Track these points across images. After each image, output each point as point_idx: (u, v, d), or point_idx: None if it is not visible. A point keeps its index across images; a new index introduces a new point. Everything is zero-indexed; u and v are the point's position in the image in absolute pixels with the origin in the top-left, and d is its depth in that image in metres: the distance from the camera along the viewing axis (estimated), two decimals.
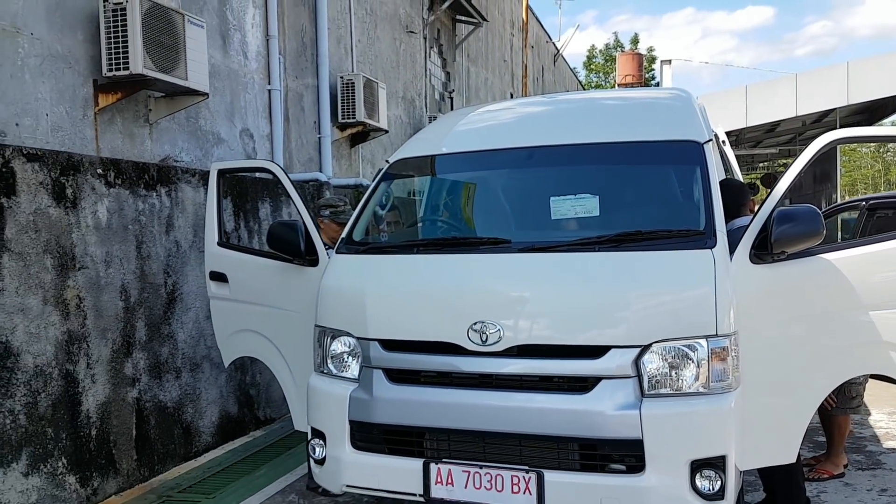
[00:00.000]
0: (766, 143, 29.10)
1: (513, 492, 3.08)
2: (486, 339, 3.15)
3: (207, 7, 5.92)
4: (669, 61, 23.88)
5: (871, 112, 24.54)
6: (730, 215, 3.58)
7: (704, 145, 3.68)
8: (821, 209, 3.70)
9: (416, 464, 3.23)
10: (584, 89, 35.98)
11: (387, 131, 8.96)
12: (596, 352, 3.08)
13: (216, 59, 6.03)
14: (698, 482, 2.99)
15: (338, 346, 3.53)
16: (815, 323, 3.33)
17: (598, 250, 3.29)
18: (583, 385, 3.09)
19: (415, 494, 3.25)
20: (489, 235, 3.65)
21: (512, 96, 16.94)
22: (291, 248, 3.89)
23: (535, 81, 19.77)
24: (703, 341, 3.05)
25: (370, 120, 8.30)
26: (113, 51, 4.69)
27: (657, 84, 41.07)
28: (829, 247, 3.36)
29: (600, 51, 53.96)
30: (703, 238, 3.26)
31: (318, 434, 3.53)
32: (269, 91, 7.03)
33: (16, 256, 3.91)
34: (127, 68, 4.67)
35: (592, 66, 53.57)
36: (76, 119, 4.62)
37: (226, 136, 6.25)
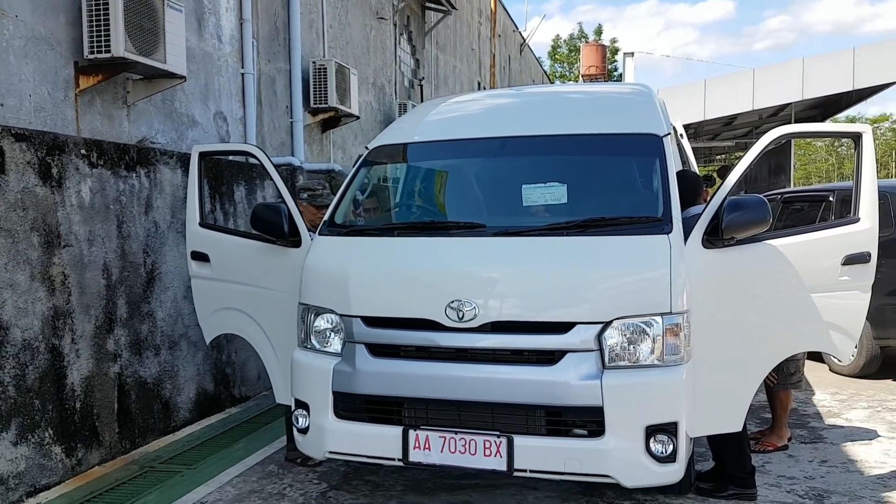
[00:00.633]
0: (723, 135, 29.82)
1: (485, 455, 3.35)
2: (463, 316, 3.40)
3: None
4: (632, 54, 24.32)
5: (826, 107, 25.33)
6: (685, 204, 3.87)
7: (663, 138, 3.98)
8: None
9: (396, 431, 3.48)
10: (550, 80, 36.35)
11: (358, 117, 9.12)
12: (562, 327, 3.36)
13: (191, 42, 6.14)
14: (652, 446, 3.29)
15: (321, 322, 3.75)
16: (761, 303, 3.65)
17: (566, 235, 3.58)
18: (550, 358, 3.37)
19: (394, 459, 3.50)
20: (465, 220, 3.90)
21: (480, 85, 17.16)
22: (275, 229, 4.08)
23: (501, 70, 20.00)
24: (658, 318, 3.35)
25: (342, 106, 8.45)
26: (95, 34, 4.80)
27: (620, 76, 41.63)
28: (774, 234, 3.68)
29: (565, 41, 54.40)
30: (660, 224, 3.55)
31: (302, 405, 3.75)
32: (243, 75, 7.14)
33: (4, 233, 4.04)
34: (108, 51, 4.79)
35: (557, 57, 54.00)
36: (58, 100, 4.73)
37: (200, 119, 6.37)
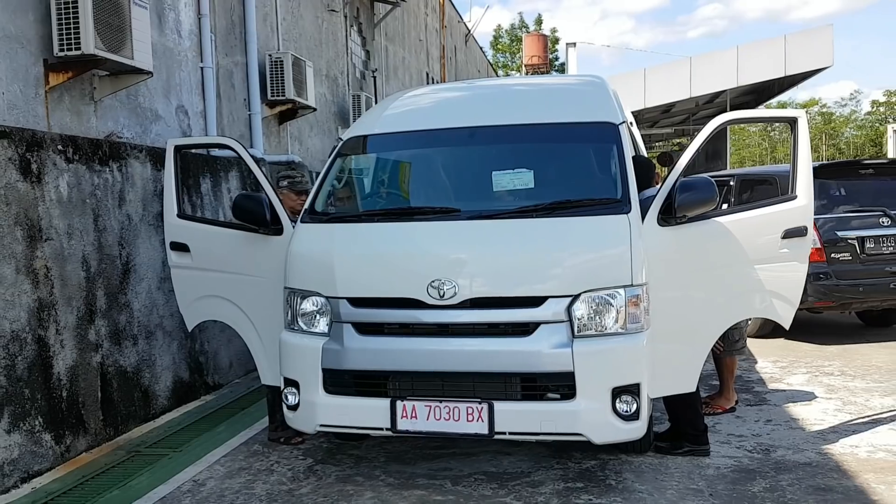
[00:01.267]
0: (662, 123, 30.74)
1: (468, 420, 3.65)
2: (444, 294, 3.69)
3: None
4: (574, 44, 24.88)
5: (759, 93, 26.33)
6: (640, 187, 4.22)
7: (619, 126, 4.32)
8: None
9: (384, 402, 3.75)
10: (495, 70, 36.76)
11: (315, 109, 9.26)
12: (535, 302, 3.68)
13: (153, 37, 6.20)
14: (618, 405, 3.65)
15: (307, 305, 3.98)
16: (710, 275, 4.04)
17: (535, 217, 3.89)
18: (525, 330, 3.69)
19: (382, 428, 3.78)
20: (441, 205, 4.17)
21: (428, 76, 17.39)
22: (257, 218, 4.29)
23: (448, 62, 20.25)
24: (621, 290, 3.69)
25: (299, 98, 8.58)
26: (64, 32, 4.87)
27: (562, 65, 42.34)
28: (721, 212, 4.07)
29: (506, 31, 54.89)
30: (620, 205, 3.90)
31: (292, 383, 3.98)
32: (202, 69, 7.21)
33: None
34: (79, 48, 4.87)
35: (499, 47, 54.46)
36: (29, 97, 4.81)
37: (163, 113, 6.46)
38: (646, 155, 7.15)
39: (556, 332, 3.65)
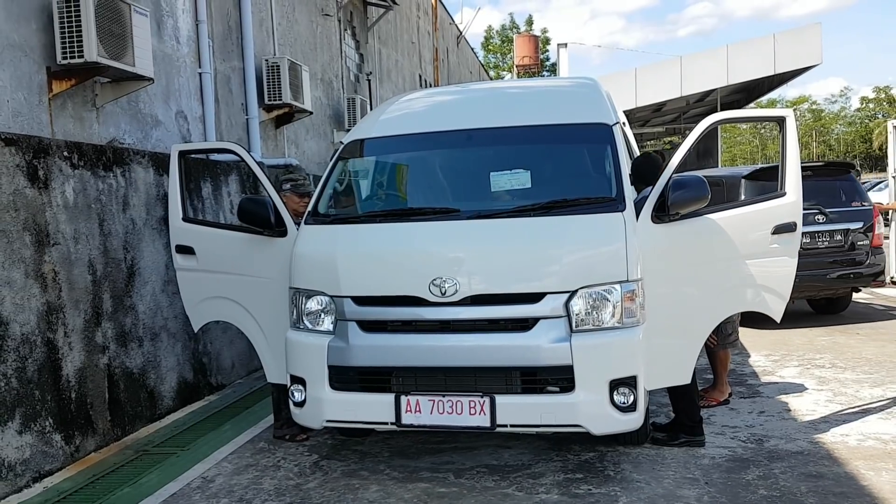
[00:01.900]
0: (653, 122, 30.94)
1: (470, 414, 3.76)
2: (445, 292, 3.80)
3: None
4: (566, 44, 25.03)
5: (749, 91, 26.56)
6: (649, 184, 4.19)
7: (613, 126, 4.45)
8: None
9: (388, 397, 3.86)
10: (486, 71, 36.93)
11: (311, 112, 9.37)
12: (534, 298, 3.80)
13: (153, 44, 6.31)
14: (616, 397, 3.77)
15: (312, 304, 4.09)
16: (703, 270, 4.16)
17: (532, 216, 4.01)
18: (524, 325, 3.81)
19: (387, 423, 3.89)
20: (440, 206, 4.29)
21: (421, 78, 17.51)
22: (262, 220, 4.40)
23: (441, 63, 20.38)
24: (617, 286, 3.81)
25: (295, 101, 8.69)
26: (67, 40, 4.96)
27: (553, 65, 42.52)
28: (713, 208, 4.19)
29: (497, 32, 55.11)
30: (614, 203, 4.03)
31: (298, 380, 4.09)
32: (200, 74, 7.31)
33: (0, 234, 4.22)
34: (81, 56, 4.96)
35: (490, 47, 54.68)
36: (33, 105, 4.90)
37: (163, 119, 6.56)
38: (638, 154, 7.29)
39: (555, 327, 3.77)
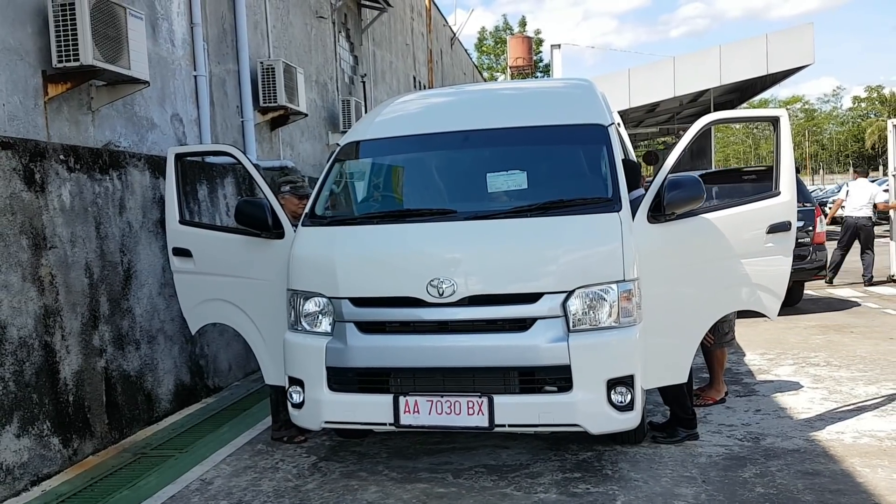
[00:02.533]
0: (647, 122, 30.98)
1: (468, 414, 3.77)
2: (443, 293, 3.81)
3: None
4: (559, 45, 25.07)
5: (742, 91, 26.61)
6: (628, 188, 4.34)
7: (608, 127, 4.47)
8: None
9: (387, 398, 3.87)
10: (480, 72, 37.00)
11: (306, 115, 9.38)
12: (532, 298, 3.81)
13: (148, 47, 6.30)
14: (613, 397, 3.78)
15: (310, 306, 4.10)
16: (699, 269, 4.19)
17: (529, 216, 4.03)
18: (522, 325, 3.82)
19: (386, 423, 3.90)
20: (437, 207, 4.31)
21: (415, 79, 17.53)
22: (259, 222, 4.41)
23: (435, 65, 20.40)
24: (614, 286, 3.83)
25: (291, 104, 8.69)
26: (63, 43, 4.96)
27: (546, 66, 42.61)
28: (708, 208, 4.22)
29: (490, 33, 55.18)
30: (610, 204, 4.05)
31: (297, 382, 4.10)
32: (195, 77, 7.31)
33: None
34: (77, 59, 4.97)
35: (484, 49, 54.73)
36: (29, 108, 4.90)
37: (158, 122, 6.56)
38: (633, 156, 7.33)
39: (552, 327, 3.79)
